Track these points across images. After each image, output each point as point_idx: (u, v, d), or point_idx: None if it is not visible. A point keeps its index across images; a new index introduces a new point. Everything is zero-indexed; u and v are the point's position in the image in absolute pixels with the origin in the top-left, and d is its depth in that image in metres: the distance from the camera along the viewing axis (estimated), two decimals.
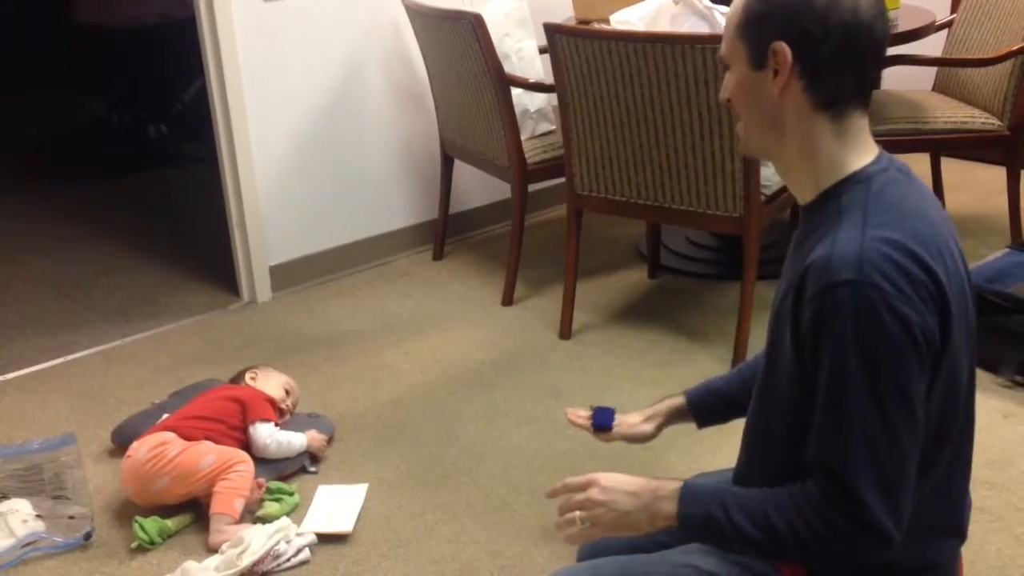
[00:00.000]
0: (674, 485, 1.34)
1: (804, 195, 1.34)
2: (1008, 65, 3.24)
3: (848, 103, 1.27)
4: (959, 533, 1.41)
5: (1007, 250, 2.90)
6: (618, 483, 1.38)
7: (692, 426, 1.71)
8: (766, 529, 1.25)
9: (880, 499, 1.19)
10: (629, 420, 1.72)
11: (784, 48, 1.24)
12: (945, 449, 1.30)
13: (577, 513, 1.39)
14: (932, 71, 3.71)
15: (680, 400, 1.70)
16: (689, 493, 1.33)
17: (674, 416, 1.71)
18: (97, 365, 3.07)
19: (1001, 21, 3.38)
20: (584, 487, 1.40)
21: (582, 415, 1.75)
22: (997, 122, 3.31)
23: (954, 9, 3.85)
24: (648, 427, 1.70)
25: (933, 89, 3.71)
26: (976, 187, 4.09)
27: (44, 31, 5.59)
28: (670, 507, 1.32)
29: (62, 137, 5.54)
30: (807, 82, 1.25)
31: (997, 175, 3.49)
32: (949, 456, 1.31)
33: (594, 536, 1.39)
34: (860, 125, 1.29)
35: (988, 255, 2.93)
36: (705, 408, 1.69)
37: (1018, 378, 2.68)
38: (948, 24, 3.63)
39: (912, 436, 1.20)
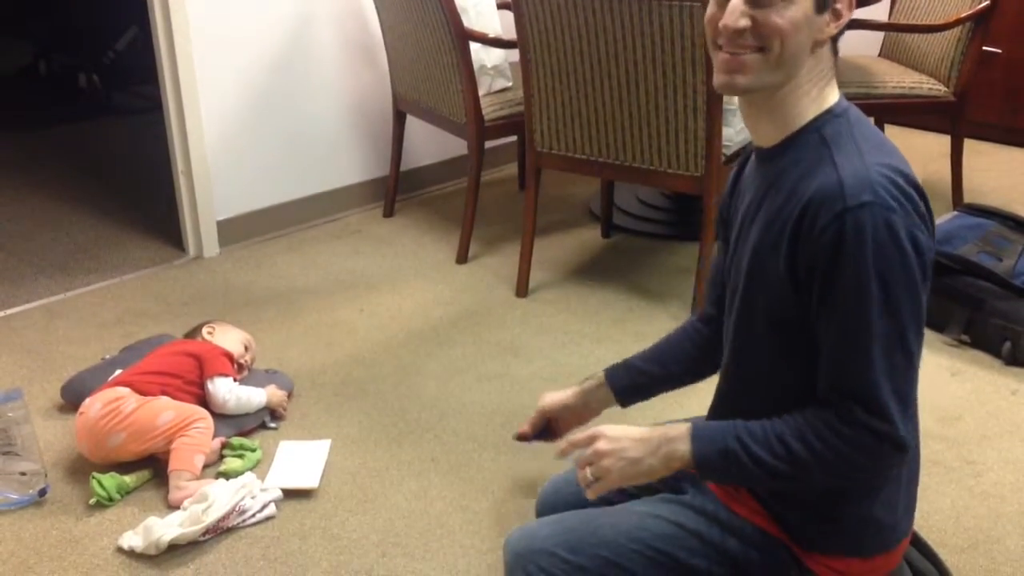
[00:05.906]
0: (683, 426, 1.35)
1: (780, 132, 1.34)
2: (956, 32, 3.31)
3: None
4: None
5: (956, 213, 2.97)
6: (623, 432, 1.38)
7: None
8: (784, 456, 1.27)
9: (898, 409, 1.24)
10: (568, 406, 1.79)
11: None
12: None
13: (588, 469, 1.38)
14: (879, 37, 3.77)
15: (603, 384, 1.76)
16: (701, 431, 1.34)
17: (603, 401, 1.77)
18: (39, 320, 2.96)
19: None
20: (589, 442, 1.40)
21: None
22: (943, 88, 3.38)
23: None
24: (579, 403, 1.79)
25: (879, 55, 3.77)
26: (916, 153, 4.17)
27: None
28: (684, 447, 1.33)
29: None
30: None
31: (935, 141, 3.57)
32: None
33: (608, 488, 1.38)
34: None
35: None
36: (626, 390, 1.75)
37: (964, 337, 2.76)
38: None
39: (919, 352, 1.26)
